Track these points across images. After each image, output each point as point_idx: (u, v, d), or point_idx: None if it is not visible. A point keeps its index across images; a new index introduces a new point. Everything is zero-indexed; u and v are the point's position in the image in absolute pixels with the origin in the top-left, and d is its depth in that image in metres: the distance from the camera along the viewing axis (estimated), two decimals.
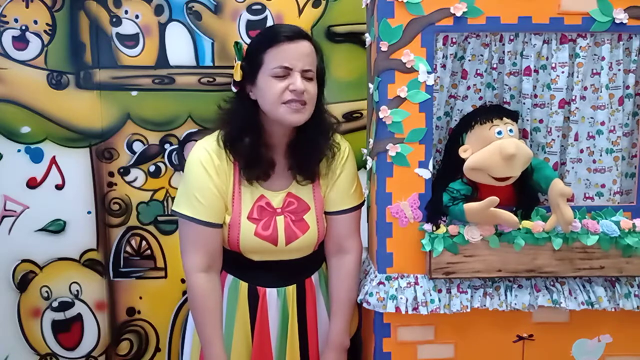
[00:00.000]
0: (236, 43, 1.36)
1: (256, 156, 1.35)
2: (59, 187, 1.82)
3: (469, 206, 1.30)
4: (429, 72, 1.32)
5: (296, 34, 1.30)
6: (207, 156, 1.34)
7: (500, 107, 1.41)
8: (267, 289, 1.41)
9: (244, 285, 1.42)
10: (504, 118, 1.35)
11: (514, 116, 1.37)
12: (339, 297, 1.46)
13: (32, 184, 1.82)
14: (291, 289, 1.43)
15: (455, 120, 1.46)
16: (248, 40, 1.78)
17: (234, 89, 1.38)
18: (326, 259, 1.50)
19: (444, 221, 1.36)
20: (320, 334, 1.48)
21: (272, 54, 1.29)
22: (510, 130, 1.33)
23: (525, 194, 1.39)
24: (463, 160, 1.35)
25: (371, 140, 1.42)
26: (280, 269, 1.42)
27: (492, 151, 1.30)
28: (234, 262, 1.41)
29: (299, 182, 1.40)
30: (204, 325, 1.36)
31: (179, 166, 1.83)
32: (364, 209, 1.53)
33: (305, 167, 1.39)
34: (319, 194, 1.43)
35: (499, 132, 1.32)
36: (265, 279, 1.42)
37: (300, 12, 1.78)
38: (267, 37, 1.32)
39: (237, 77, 1.35)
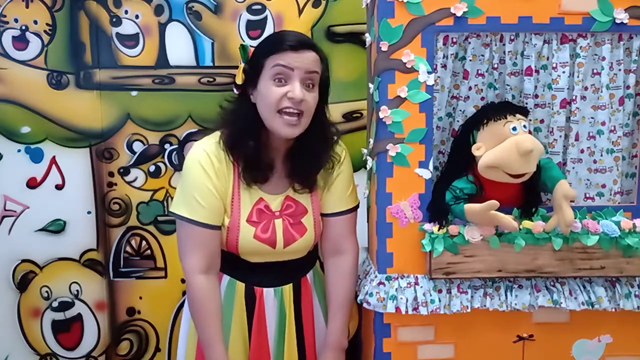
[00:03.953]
0: (242, 45, 1.36)
1: (256, 159, 1.34)
2: (59, 187, 1.82)
3: (470, 207, 1.30)
4: (429, 72, 1.32)
5: (301, 44, 1.29)
6: (206, 157, 1.34)
7: (510, 104, 1.40)
8: (264, 289, 1.41)
9: (240, 286, 1.42)
10: (517, 114, 1.34)
11: (525, 112, 1.37)
12: (337, 297, 1.46)
13: (32, 184, 1.82)
14: (287, 288, 1.43)
15: (458, 121, 1.46)
16: (248, 41, 1.78)
17: (235, 91, 1.39)
18: (323, 260, 1.50)
19: (447, 220, 1.36)
20: (317, 333, 1.48)
21: (273, 59, 1.29)
22: (524, 126, 1.32)
23: (531, 193, 1.39)
24: (471, 158, 1.35)
25: (371, 140, 1.42)
26: (277, 270, 1.42)
27: (508, 147, 1.28)
28: (230, 263, 1.41)
29: (296, 191, 1.40)
30: (205, 327, 1.36)
31: (179, 166, 1.82)
32: (364, 209, 1.53)
33: (303, 177, 1.39)
34: (317, 197, 1.44)
35: (514, 128, 1.31)
36: (262, 279, 1.42)
37: (300, 12, 1.78)
38: (272, 43, 1.32)
39: (239, 80, 1.35)
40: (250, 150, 1.33)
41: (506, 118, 1.32)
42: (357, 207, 1.49)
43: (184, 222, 1.34)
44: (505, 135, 1.31)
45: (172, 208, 1.36)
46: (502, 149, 1.29)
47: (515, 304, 1.37)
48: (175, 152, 1.83)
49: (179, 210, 1.34)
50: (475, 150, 1.34)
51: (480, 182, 1.36)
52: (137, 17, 1.77)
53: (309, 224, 1.42)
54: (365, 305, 1.40)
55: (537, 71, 1.40)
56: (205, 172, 1.33)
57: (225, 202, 1.36)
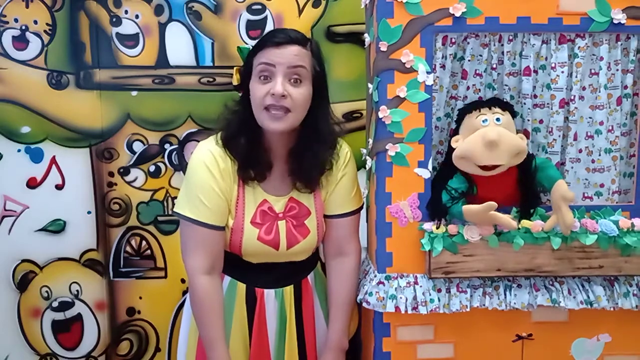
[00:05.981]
0: (239, 48, 1.37)
1: (252, 156, 1.35)
2: (59, 187, 1.82)
3: (468, 208, 1.30)
4: (428, 72, 1.33)
5: (285, 40, 1.29)
6: (211, 158, 1.34)
7: (495, 99, 1.40)
8: (265, 290, 1.41)
9: (241, 287, 1.42)
10: (493, 107, 1.34)
11: (507, 107, 1.36)
12: (338, 298, 1.46)
13: (32, 184, 1.82)
14: (289, 290, 1.43)
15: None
16: (248, 41, 1.79)
17: (238, 92, 1.40)
18: (325, 261, 1.50)
19: (446, 220, 1.36)
20: (317, 334, 1.48)
21: (258, 58, 1.30)
22: (498, 119, 1.32)
23: (528, 193, 1.39)
24: None
25: (370, 140, 1.42)
26: (278, 271, 1.42)
27: (474, 138, 1.30)
28: (232, 264, 1.41)
29: (299, 190, 1.40)
30: (208, 327, 1.36)
31: (179, 166, 1.83)
32: (364, 209, 1.53)
33: (304, 176, 1.38)
34: (320, 199, 1.44)
35: (484, 120, 1.32)
36: (264, 280, 1.42)
37: (300, 12, 1.79)
38: (259, 42, 1.33)
39: (235, 81, 1.37)
40: (244, 147, 1.34)
41: (479, 111, 1.33)
42: (360, 208, 1.49)
43: (187, 223, 1.34)
44: (476, 127, 1.32)
45: (176, 208, 1.36)
46: (469, 141, 1.31)
47: (514, 303, 1.37)
48: (175, 152, 1.83)
49: (183, 210, 1.34)
50: (454, 143, 1.35)
51: (470, 178, 1.37)
52: (137, 17, 1.77)
53: (312, 226, 1.42)
54: (364, 304, 1.40)
55: (535, 71, 1.41)
56: (210, 172, 1.33)
57: (229, 202, 1.36)
